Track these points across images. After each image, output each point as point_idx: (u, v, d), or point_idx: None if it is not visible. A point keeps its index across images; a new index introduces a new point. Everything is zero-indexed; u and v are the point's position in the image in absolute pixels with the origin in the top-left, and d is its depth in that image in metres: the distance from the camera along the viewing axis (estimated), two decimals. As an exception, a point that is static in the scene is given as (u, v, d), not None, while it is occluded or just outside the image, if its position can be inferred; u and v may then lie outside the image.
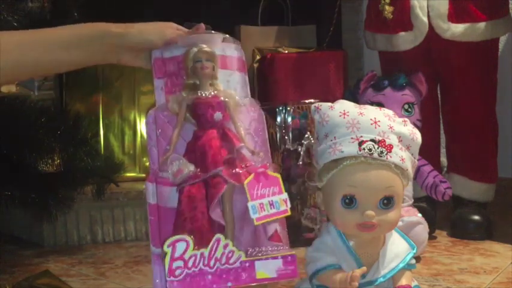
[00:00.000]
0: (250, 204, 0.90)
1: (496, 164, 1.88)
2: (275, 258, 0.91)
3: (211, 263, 0.86)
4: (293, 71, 2.10)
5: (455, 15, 1.75)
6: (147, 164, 2.06)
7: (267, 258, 0.90)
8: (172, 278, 0.84)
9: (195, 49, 1.01)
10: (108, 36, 1.02)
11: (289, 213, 0.94)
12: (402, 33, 1.81)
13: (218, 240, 0.87)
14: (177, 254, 0.85)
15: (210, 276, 0.86)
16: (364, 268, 0.98)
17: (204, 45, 1.01)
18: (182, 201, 0.90)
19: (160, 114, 0.99)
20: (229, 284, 0.86)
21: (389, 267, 1.01)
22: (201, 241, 0.87)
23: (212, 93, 0.99)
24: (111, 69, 2.05)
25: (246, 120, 1.02)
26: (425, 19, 1.77)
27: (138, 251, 1.78)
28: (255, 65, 2.20)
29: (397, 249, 1.03)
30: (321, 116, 1.02)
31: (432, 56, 1.84)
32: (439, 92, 1.91)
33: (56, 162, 1.50)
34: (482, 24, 1.75)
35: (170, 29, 1.05)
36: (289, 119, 1.76)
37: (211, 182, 0.91)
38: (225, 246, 0.88)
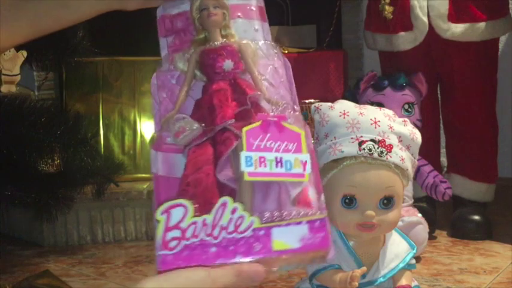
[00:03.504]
0: (243, 154, 0.68)
1: (496, 164, 1.88)
2: (298, 223, 0.67)
3: (216, 232, 0.65)
4: (293, 71, 2.10)
5: (455, 15, 1.75)
6: (147, 164, 2.06)
7: (287, 224, 0.67)
8: (165, 251, 0.64)
9: None
10: None
11: (305, 178, 0.68)
12: (402, 33, 1.81)
13: (224, 204, 0.66)
14: (172, 223, 0.65)
15: (214, 248, 0.65)
16: (364, 268, 0.98)
17: None
18: (187, 165, 0.72)
19: (167, 75, 0.83)
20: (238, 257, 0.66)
21: (389, 267, 1.01)
22: (204, 207, 0.68)
23: (223, 42, 0.81)
24: (111, 69, 2.05)
25: (265, 70, 0.84)
26: (425, 19, 1.77)
27: (138, 251, 1.77)
28: (255, 65, 2.19)
29: (397, 249, 1.03)
30: (321, 116, 1.02)
31: (432, 56, 1.83)
32: (439, 92, 1.91)
33: (56, 162, 1.50)
34: (482, 24, 1.75)
35: None
36: (289, 119, 1.75)
37: (220, 139, 0.73)
38: (233, 211, 0.67)
